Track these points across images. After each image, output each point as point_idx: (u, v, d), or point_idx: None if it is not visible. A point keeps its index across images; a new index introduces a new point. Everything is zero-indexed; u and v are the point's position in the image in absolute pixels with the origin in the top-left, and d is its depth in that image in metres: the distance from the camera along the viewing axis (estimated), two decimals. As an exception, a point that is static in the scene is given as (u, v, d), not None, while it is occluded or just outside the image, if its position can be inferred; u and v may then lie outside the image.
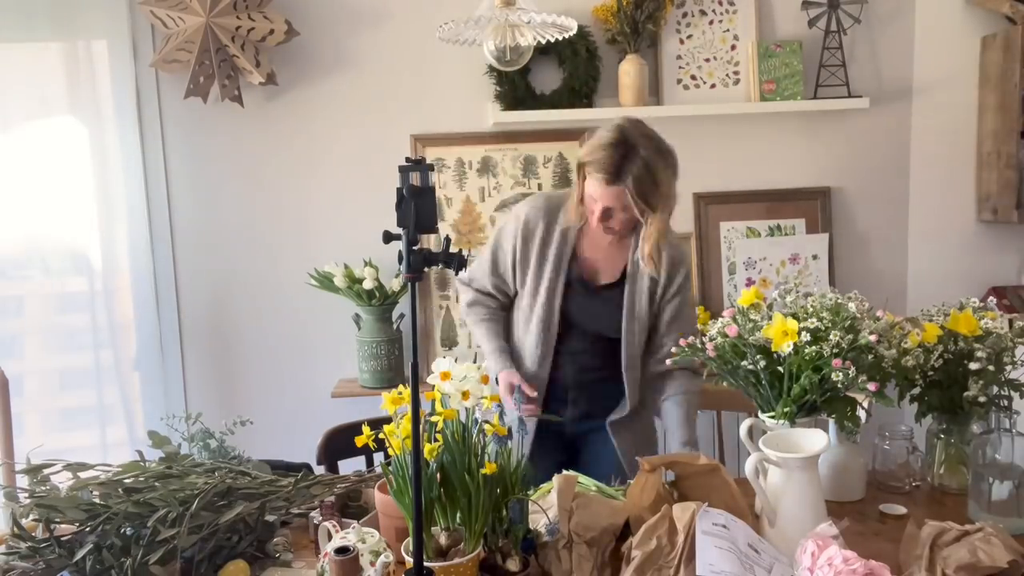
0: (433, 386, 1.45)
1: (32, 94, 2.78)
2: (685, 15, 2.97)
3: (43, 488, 1.45)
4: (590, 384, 2.06)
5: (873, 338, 1.54)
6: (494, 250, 2.09)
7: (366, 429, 1.42)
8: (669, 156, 1.89)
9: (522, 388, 1.89)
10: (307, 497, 1.66)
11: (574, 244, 2.00)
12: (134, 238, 2.86)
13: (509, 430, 1.43)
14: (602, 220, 1.89)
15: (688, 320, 2.05)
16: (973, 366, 1.66)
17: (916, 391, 1.77)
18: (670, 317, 2.02)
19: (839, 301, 1.62)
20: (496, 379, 2.03)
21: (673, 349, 1.73)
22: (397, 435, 1.38)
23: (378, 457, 1.94)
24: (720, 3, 2.97)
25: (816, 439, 1.48)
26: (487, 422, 1.43)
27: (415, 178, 1.25)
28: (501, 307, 2.14)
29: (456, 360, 1.48)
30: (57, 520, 1.38)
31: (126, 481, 1.48)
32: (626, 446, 2.04)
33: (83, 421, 2.91)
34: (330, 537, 1.41)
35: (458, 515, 1.38)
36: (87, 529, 1.38)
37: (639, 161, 1.81)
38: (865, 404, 1.69)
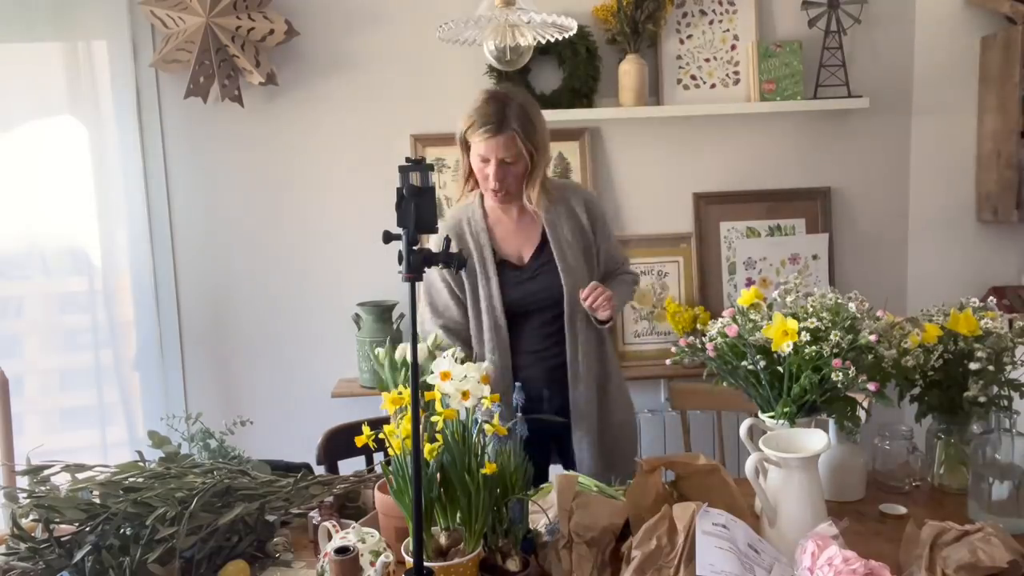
0: (433, 386, 1.45)
1: (32, 94, 2.78)
2: (685, 15, 2.97)
3: (43, 488, 1.45)
4: (558, 370, 2.06)
5: (873, 338, 1.54)
6: (428, 296, 2.10)
7: (366, 429, 1.42)
8: (535, 102, 2.03)
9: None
10: (306, 497, 1.66)
11: (488, 235, 2.04)
12: (134, 238, 2.86)
13: (509, 430, 1.43)
14: (497, 179, 1.94)
15: (615, 242, 2.19)
16: (973, 366, 1.66)
17: (916, 391, 1.77)
18: (604, 249, 2.11)
19: (839, 301, 1.62)
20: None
21: (672, 349, 1.73)
22: (397, 435, 1.38)
23: (378, 457, 1.94)
24: (720, 3, 2.97)
25: (816, 439, 1.48)
26: (487, 422, 1.43)
27: (415, 178, 1.25)
28: (466, 346, 2.09)
29: (456, 359, 1.48)
30: (56, 520, 1.38)
31: (125, 481, 1.48)
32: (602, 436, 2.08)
33: (83, 421, 2.91)
34: (330, 537, 1.41)
35: (458, 515, 1.38)
36: (87, 529, 1.38)
37: (515, 107, 1.94)
38: (865, 404, 1.69)
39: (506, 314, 2.03)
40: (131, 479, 1.49)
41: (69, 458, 1.55)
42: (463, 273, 2.04)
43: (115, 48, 2.79)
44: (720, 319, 1.69)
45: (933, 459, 1.79)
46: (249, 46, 2.76)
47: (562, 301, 2.02)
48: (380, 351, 1.74)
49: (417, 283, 1.25)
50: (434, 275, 2.08)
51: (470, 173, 2.03)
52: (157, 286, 2.90)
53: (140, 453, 1.63)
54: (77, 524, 1.39)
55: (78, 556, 1.33)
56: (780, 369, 1.59)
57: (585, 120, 2.91)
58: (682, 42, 2.98)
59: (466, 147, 2.00)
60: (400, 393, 1.44)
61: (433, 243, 2.17)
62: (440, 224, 2.10)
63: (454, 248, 1.96)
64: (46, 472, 1.49)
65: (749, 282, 3.05)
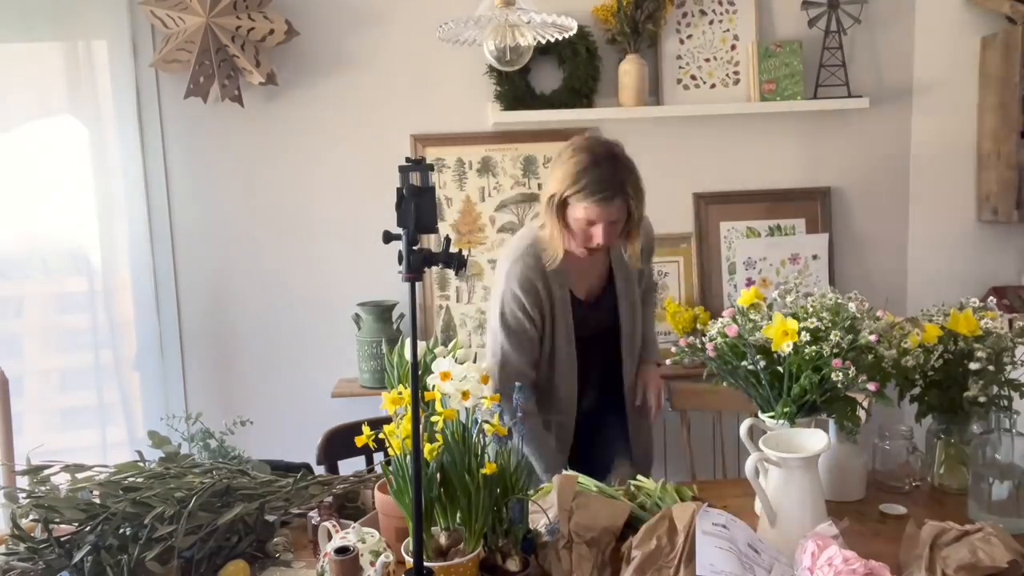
0: (433, 386, 1.45)
1: (32, 94, 2.78)
2: (685, 15, 2.97)
3: (42, 489, 1.45)
4: (600, 378, 2.15)
5: (873, 338, 1.54)
6: (511, 335, 2.00)
7: (366, 429, 1.42)
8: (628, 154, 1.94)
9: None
10: (306, 497, 1.66)
11: (566, 276, 2.03)
12: (134, 238, 2.86)
13: (509, 430, 1.43)
14: (607, 239, 1.90)
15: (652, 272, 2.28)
16: (973, 366, 1.66)
17: (916, 391, 1.77)
18: (649, 262, 2.18)
19: (839, 301, 1.62)
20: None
21: (672, 349, 1.73)
22: (397, 435, 1.38)
23: (378, 457, 1.94)
24: (720, 3, 2.97)
25: (816, 439, 1.48)
26: (487, 422, 1.43)
27: (415, 178, 1.25)
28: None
29: (455, 359, 1.48)
30: (56, 520, 1.38)
31: (124, 481, 1.48)
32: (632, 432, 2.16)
33: (83, 421, 2.91)
34: (330, 537, 1.41)
35: (458, 515, 1.38)
36: (86, 529, 1.38)
37: (625, 169, 1.86)
38: (865, 404, 1.69)
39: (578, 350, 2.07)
40: (130, 479, 1.49)
41: (69, 458, 1.55)
42: (548, 316, 2.01)
43: (115, 48, 2.79)
44: (720, 319, 1.69)
45: (933, 459, 1.79)
46: (249, 46, 2.76)
47: (619, 331, 2.11)
48: (393, 351, 1.74)
49: (417, 283, 1.25)
50: (516, 316, 1.99)
51: (563, 228, 1.93)
52: (157, 286, 2.90)
53: (140, 453, 1.63)
54: (76, 524, 1.39)
55: (77, 556, 1.33)
56: (780, 369, 1.59)
57: (585, 120, 2.91)
58: (682, 42, 2.98)
59: (559, 208, 1.90)
60: (400, 393, 1.44)
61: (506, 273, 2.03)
62: (516, 263, 2.00)
63: (512, 290, 2.00)
64: (46, 472, 1.49)
65: (749, 282, 3.05)
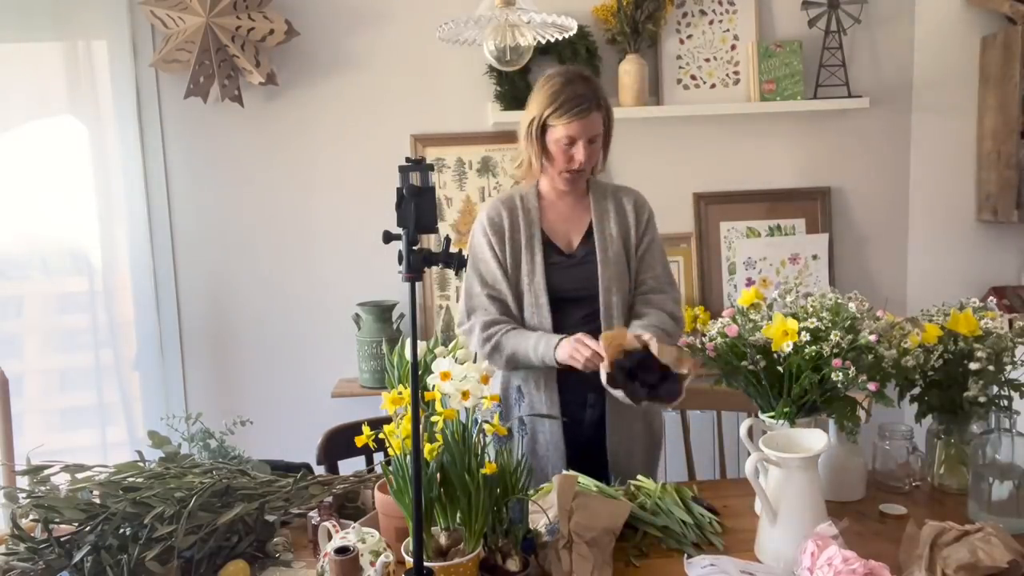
0: (433, 386, 1.45)
1: (32, 94, 2.78)
2: (685, 15, 2.97)
3: (42, 489, 1.45)
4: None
5: (873, 338, 1.54)
6: (475, 267, 2.04)
7: (366, 429, 1.42)
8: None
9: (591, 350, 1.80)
10: (306, 497, 1.66)
11: (540, 216, 2.04)
12: (134, 238, 2.86)
13: (509, 430, 1.43)
14: (587, 157, 1.95)
15: (661, 254, 2.10)
16: (973, 366, 1.66)
17: (916, 391, 1.77)
18: (643, 252, 2.07)
19: (839, 301, 1.62)
20: (554, 358, 1.87)
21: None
22: (397, 435, 1.37)
23: (378, 457, 1.94)
24: (720, 3, 2.97)
25: (816, 439, 1.48)
26: (487, 422, 1.43)
27: (415, 178, 1.25)
28: (514, 319, 2.03)
29: (455, 359, 1.48)
30: (56, 521, 1.38)
31: (124, 481, 1.48)
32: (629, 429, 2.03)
33: (83, 421, 2.91)
34: (330, 537, 1.41)
35: (458, 515, 1.38)
36: (86, 529, 1.38)
37: (596, 84, 1.96)
38: (865, 404, 1.69)
39: (551, 297, 2.00)
40: (130, 479, 1.49)
41: (69, 458, 1.55)
42: (509, 249, 2.02)
43: (115, 48, 2.79)
44: (720, 319, 1.69)
45: (933, 459, 1.79)
46: (249, 46, 2.76)
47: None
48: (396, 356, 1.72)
49: (417, 283, 1.25)
50: (482, 247, 2.04)
51: (540, 155, 1.98)
52: (157, 286, 2.90)
53: (140, 453, 1.63)
54: (76, 524, 1.38)
55: (77, 556, 1.33)
56: (780, 369, 1.59)
57: (585, 120, 2.91)
58: (682, 42, 2.98)
59: (539, 132, 1.96)
60: (400, 393, 1.44)
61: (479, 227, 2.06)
62: (489, 200, 2.10)
63: (480, 226, 2.01)
64: (46, 472, 1.49)
65: (749, 282, 3.05)
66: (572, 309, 2.01)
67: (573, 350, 1.82)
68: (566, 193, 2.05)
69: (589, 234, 2.04)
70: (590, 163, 1.98)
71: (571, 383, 1.97)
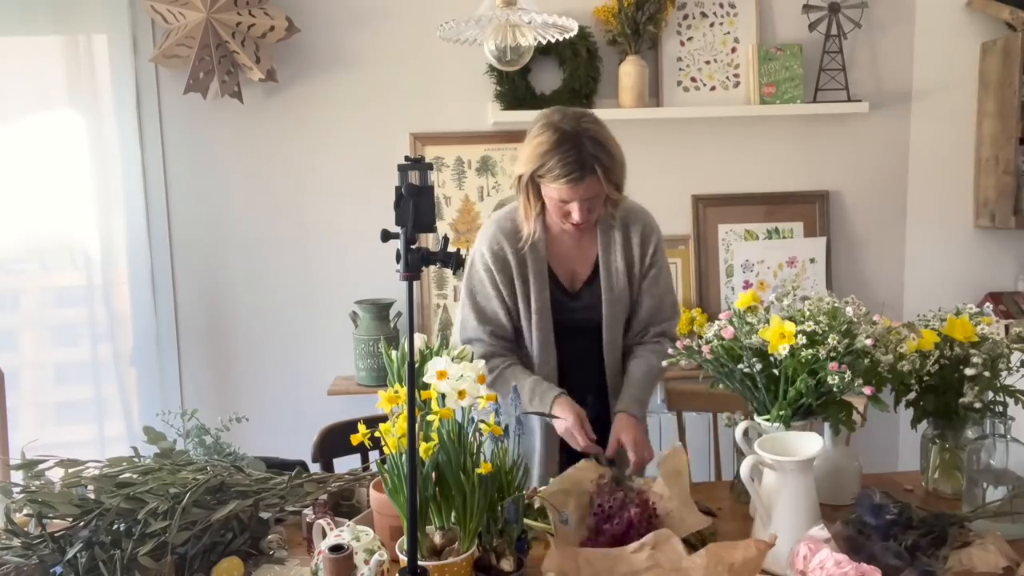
0: (429, 385, 1.45)
1: (31, 87, 2.78)
2: (686, 17, 2.98)
3: (37, 483, 1.45)
4: (583, 380, 2.01)
5: (869, 342, 1.54)
6: (473, 299, 1.96)
7: (362, 427, 1.42)
8: (602, 123, 1.83)
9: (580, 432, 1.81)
10: (301, 495, 1.66)
11: (547, 249, 1.94)
12: (131, 233, 2.86)
13: (505, 429, 1.43)
14: (583, 217, 1.82)
15: (666, 283, 2.01)
16: (969, 372, 1.67)
17: (912, 396, 1.77)
18: (647, 284, 1.98)
19: (836, 305, 1.62)
20: (548, 415, 1.85)
21: (669, 350, 1.73)
22: (393, 433, 1.37)
23: (373, 455, 1.94)
24: (721, 5, 2.98)
25: (811, 442, 1.48)
26: (483, 421, 1.43)
27: (414, 177, 1.25)
28: (512, 351, 1.99)
29: (452, 358, 1.48)
30: (50, 516, 1.38)
31: (119, 477, 1.48)
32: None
33: (79, 415, 2.91)
34: (324, 535, 1.41)
35: (453, 514, 1.38)
36: (80, 525, 1.37)
37: (590, 143, 1.75)
38: (861, 409, 1.69)
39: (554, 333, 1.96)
40: (125, 475, 1.49)
41: (65, 453, 1.55)
42: (518, 284, 1.92)
43: (115, 42, 2.79)
44: (717, 321, 1.69)
45: (928, 464, 1.80)
46: (249, 42, 2.76)
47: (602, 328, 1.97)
48: (393, 350, 1.71)
49: (415, 282, 1.25)
50: (482, 282, 1.95)
51: (538, 201, 1.87)
52: (154, 281, 2.90)
53: (135, 449, 1.63)
54: (71, 519, 1.38)
55: (71, 552, 1.33)
56: (776, 372, 1.60)
57: (585, 121, 2.91)
58: (683, 44, 2.98)
59: (531, 183, 1.83)
60: (396, 392, 1.44)
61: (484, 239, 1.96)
62: (490, 226, 1.96)
63: (482, 254, 1.91)
64: (40, 467, 1.49)
65: (746, 285, 3.05)
66: (576, 341, 1.98)
67: (568, 434, 1.85)
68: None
69: (595, 267, 1.97)
70: (589, 219, 1.84)
71: (569, 384, 1.97)
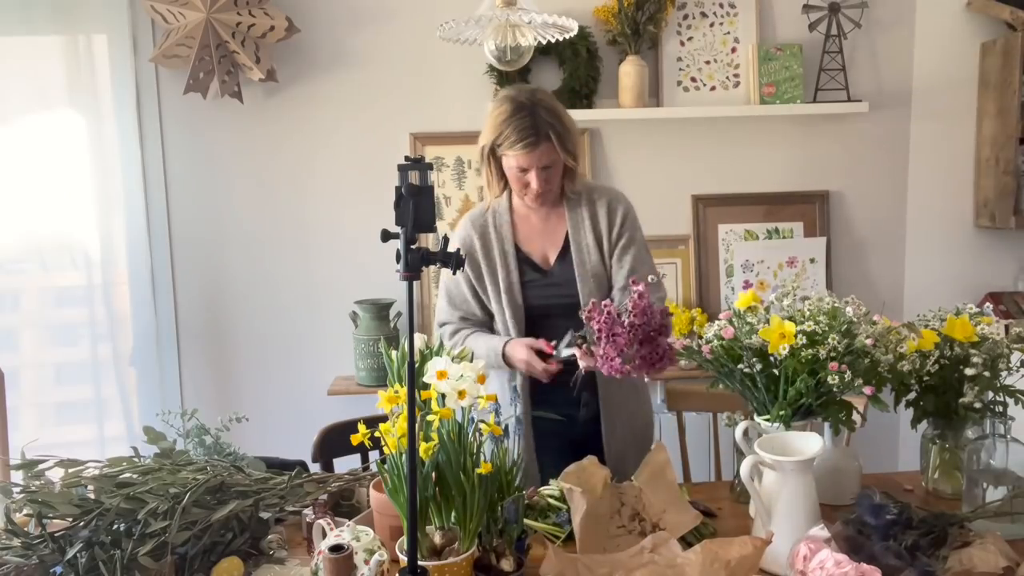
0: (429, 385, 1.45)
1: (31, 87, 2.78)
2: (686, 17, 2.98)
3: (37, 483, 1.45)
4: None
5: (869, 342, 1.54)
6: (445, 287, 2.09)
7: (362, 427, 1.42)
8: (555, 98, 1.98)
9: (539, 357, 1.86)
10: (301, 495, 1.66)
11: (513, 232, 2.03)
12: (131, 233, 2.86)
13: (505, 429, 1.43)
14: (541, 185, 1.93)
15: (640, 252, 2.04)
16: (969, 372, 1.67)
17: (912, 396, 1.77)
18: (619, 252, 2.03)
19: (836, 305, 1.62)
20: (504, 361, 1.93)
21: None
22: (393, 434, 1.38)
23: (373, 455, 1.94)
24: (721, 5, 2.98)
25: (811, 442, 1.48)
26: (483, 421, 1.43)
27: (414, 177, 1.25)
28: (483, 324, 2.09)
29: (452, 358, 1.48)
30: (50, 516, 1.38)
31: (119, 476, 1.48)
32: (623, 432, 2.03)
33: (79, 416, 2.91)
34: (324, 535, 1.41)
35: (453, 514, 1.38)
36: (80, 525, 1.37)
37: (545, 113, 1.89)
38: (861, 409, 1.69)
39: (529, 315, 2.01)
40: (125, 475, 1.49)
41: (65, 453, 1.55)
42: (485, 268, 2.01)
43: (115, 42, 2.79)
44: (717, 321, 1.69)
45: (928, 464, 1.80)
46: (249, 42, 2.76)
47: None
48: (392, 351, 1.71)
49: (415, 282, 1.25)
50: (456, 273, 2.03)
51: (500, 178, 2.00)
52: (154, 281, 2.90)
53: (135, 449, 1.63)
54: (71, 519, 1.38)
55: (71, 552, 1.33)
56: (776, 372, 1.60)
57: (585, 121, 2.91)
58: (683, 44, 2.98)
59: (492, 156, 1.96)
60: (396, 392, 1.44)
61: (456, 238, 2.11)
62: (463, 218, 2.10)
63: (453, 247, 1.96)
64: (40, 467, 1.49)
65: (746, 285, 3.03)
66: (552, 322, 1.99)
67: (526, 366, 1.89)
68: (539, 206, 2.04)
69: (566, 246, 2.03)
70: (547, 188, 1.96)
71: (567, 384, 1.96)
